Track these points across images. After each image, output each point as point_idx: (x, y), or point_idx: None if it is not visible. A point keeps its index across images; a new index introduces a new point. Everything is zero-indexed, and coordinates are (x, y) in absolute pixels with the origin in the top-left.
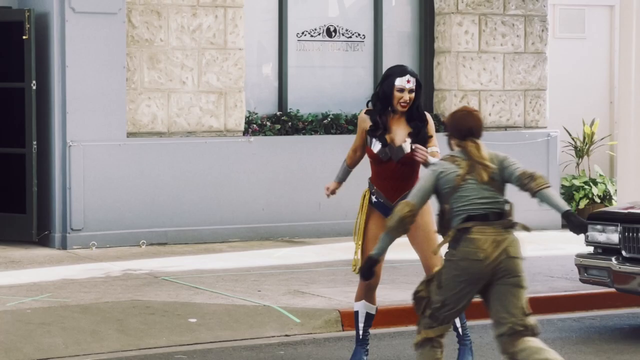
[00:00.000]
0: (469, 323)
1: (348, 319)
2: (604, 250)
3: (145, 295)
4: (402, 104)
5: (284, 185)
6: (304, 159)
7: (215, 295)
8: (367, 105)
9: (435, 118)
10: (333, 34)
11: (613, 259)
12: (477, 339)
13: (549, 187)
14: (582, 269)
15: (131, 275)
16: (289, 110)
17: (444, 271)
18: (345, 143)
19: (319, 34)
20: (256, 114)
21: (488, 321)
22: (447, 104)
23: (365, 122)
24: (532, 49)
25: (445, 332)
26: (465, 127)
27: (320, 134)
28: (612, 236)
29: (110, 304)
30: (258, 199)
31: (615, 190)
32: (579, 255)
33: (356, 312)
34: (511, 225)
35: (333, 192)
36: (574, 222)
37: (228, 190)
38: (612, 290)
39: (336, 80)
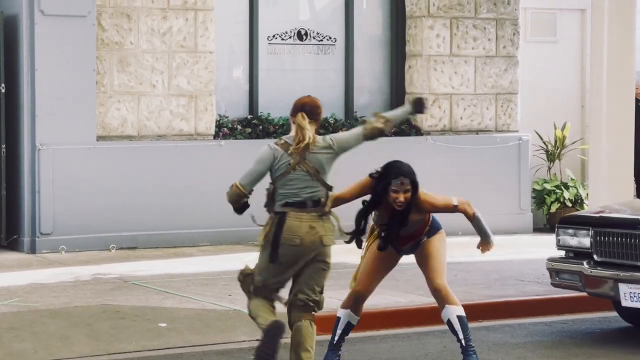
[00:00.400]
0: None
1: (319, 323)
2: (576, 254)
3: (115, 300)
4: (398, 204)
5: (255, 189)
6: None
7: (186, 300)
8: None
9: (407, 122)
10: (304, 37)
11: (584, 263)
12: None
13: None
14: (554, 273)
15: (101, 279)
16: (259, 114)
17: (264, 254)
18: None
19: (290, 37)
20: (227, 117)
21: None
22: None
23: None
24: (503, 52)
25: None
26: (299, 104)
27: None
28: (583, 240)
29: (80, 308)
30: (228, 203)
31: (587, 194)
32: (550, 259)
33: (338, 318)
34: (325, 214)
35: None
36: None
37: (198, 194)
38: (584, 294)
39: (307, 83)
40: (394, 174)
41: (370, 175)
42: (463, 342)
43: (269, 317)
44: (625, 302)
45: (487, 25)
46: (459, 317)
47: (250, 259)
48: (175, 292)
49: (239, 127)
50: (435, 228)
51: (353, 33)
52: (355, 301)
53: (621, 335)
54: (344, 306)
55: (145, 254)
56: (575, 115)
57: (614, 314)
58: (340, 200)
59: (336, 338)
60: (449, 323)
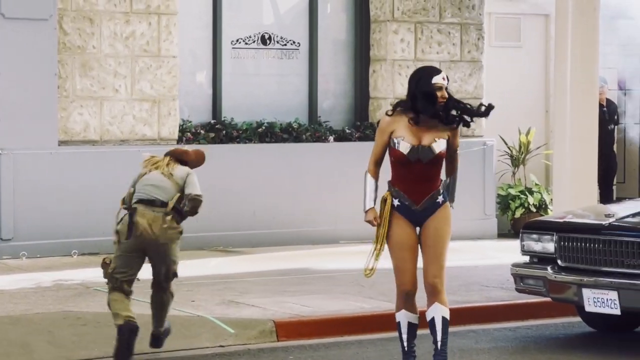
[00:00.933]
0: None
1: (283, 329)
2: (540, 259)
3: (76, 306)
4: (441, 101)
5: (219, 194)
6: (238, 167)
7: (148, 306)
8: (389, 112)
9: (371, 127)
10: (268, 41)
11: (549, 268)
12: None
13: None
14: (518, 278)
15: (62, 285)
16: (223, 119)
17: (116, 245)
18: (280, 151)
19: (254, 42)
20: (190, 122)
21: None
22: (383, 112)
23: (391, 124)
24: (468, 57)
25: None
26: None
27: (254, 142)
28: (547, 245)
29: (41, 315)
30: None
31: (551, 200)
32: (514, 265)
33: (398, 323)
34: (168, 214)
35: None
36: None
37: None
38: (548, 299)
39: (271, 88)
40: (435, 70)
41: (387, 113)
42: (439, 344)
43: (123, 313)
44: (589, 308)
45: (451, 30)
46: (444, 319)
47: (214, 264)
48: (137, 298)
49: (203, 131)
50: (444, 194)
51: (317, 37)
52: (406, 300)
53: (584, 340)
54: (398, 309)
55: None
56: (539, 120)
57: (578, 319)
58: (378, 159)
59: (405, 344)
60: (432, 321)
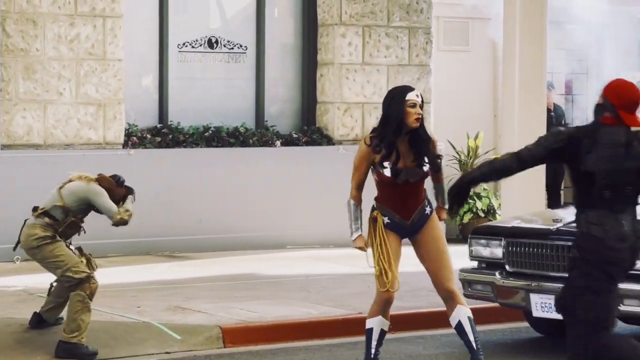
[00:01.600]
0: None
1: (229, 335)
2: (488, 264)
3: (19, 313)
4: (417, 119)
5: (165, 199)
6: (185, 172)
7: (93, 312)
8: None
9: (319, 131)
10: (215, 45)
11: (497, 273)
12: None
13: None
14: (466, 283)
15: (5, 292)
16: (169, 123)
17: None
18: (226, 156)
19: (201, 45)
20: (136, 126)
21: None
22: (330, 116)
23: (370, 154)
24: (416, 61)
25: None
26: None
27: (201, 147)
28: (496, 250)
29: None
30: (138, 212)
31: (500, 205)
32: (462, 270)
33: (369, 330)
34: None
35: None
36: None
37: None
38: (496, 305)
39: (218, 92)
40: (403, 90)
41: (368, 139)
42: (473, 344)
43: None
44: (536, 313)
45: (399, 34)
46: (469, 319)
47: (160, 269)
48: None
49: (149, 136)
50: (430, 204)
51: (264, 41)
52: (385, 306)
53: (532, 345)
54: (373, 314)
55: None
56: (488, 124)
57: (526, 324)
58: (360, 183)
59: (373, 351)
60: (459, 325)
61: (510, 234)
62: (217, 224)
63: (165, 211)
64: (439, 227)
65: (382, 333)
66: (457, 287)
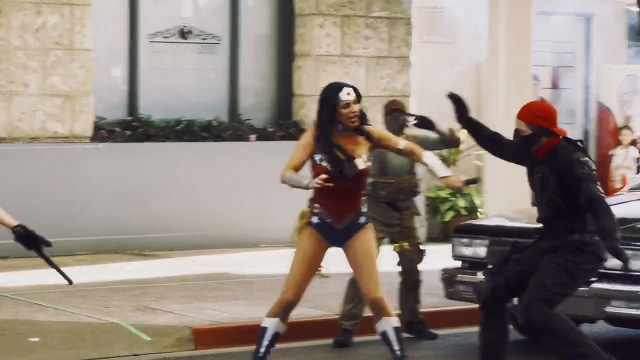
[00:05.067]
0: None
1: (201, 337)
2: (471, 264)
3: None
4: (353, 119)
5: (135, 195)
6: (156, 167)
7: (60, 313)
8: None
9: (295, 125)
10: (187, 35)
11: (480, 273)
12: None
13: None
14: (448, 284)
15: None
16: (140, 116)
17: None
18: (199, 150)
19: (173, 35)
20: (105, 119)
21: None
22: (307, 110)
23: (313, 145)
24: (396, 53)
25: None
26: None
27: (173, 140)
28: (479, 250)
29: None
30: (107, 209)
31: (482, 202)
32: (445, 270)
33: (264, 329)
34: None
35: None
36: None
37: (75, 200)
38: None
39: (190, 84)
40: (336, 87)
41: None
42: (398, 352)
43: None
44: None
45: (379, 25)
46: (395, 329)
47: (130, 268)
48: (48, 305)
49: (118, 129)
50: (366, 215)
51: (239, 31)
52: (285, 309)
53: (515, 347)
54: (271, 315)
55: (16, 264)
56: None
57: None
58: (296, 167)
59: (262, 350)
60: (385, 335)
61: (494, 233)
62: (190, 221)
63: (135, 208)
64: (371, 239)
65: (276, 335)
66: (384, 296)
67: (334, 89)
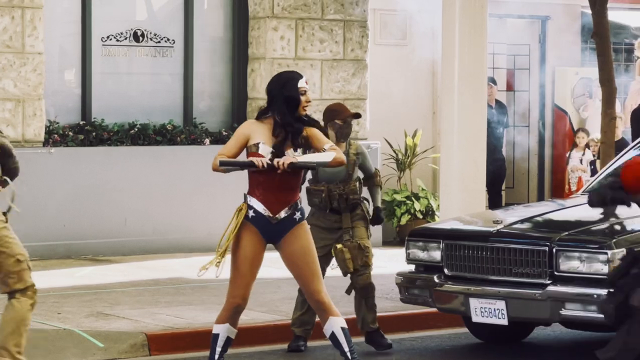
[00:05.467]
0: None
1: (155, 342)
2: (426, 268)
3: None
4: (305, 107)
5: (88, 200)
6: (109, 171)
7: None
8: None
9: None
10: (141, 38)
11: (435, 277)
12: None
13: None
14: (403, 288)
15: None
16: (93, 120)
17: None
18: (153, 154)
19: (126, 39)
20: (57, 123)
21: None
22: None
23: (249, 128)
24: (351, 55)
25: None
26: None
27: (126, 145)
28: (434, 253)
29: None
30: (59, 214)
31: (438, 206)
32: (399, 274)
33: (216, 335)
34: None
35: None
36: None
37: (26, 204)
38: (434, 310)
39: (144, 87)
40: (294, 77)
41: (261, 112)
42: (349, 354)
43: None
44: (476, 318)
45: (334, 27)
46: (343, 329)
47: (83, 274)
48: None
49: (71, 133)
50: (302, 211)
51: (193, 35)
52: (234, 313)
53: (471, 352)
54: (220, 321)
55: None
56: (426, 122)
57: (465, 330)
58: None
59: (216, 356)
60: (333, 336)
61: (449, 236)
62: (143, 226)
63: (88, 212)
64: (308, 236)
65: (228, 340)
66: (328, 296)
67: (292, 76)
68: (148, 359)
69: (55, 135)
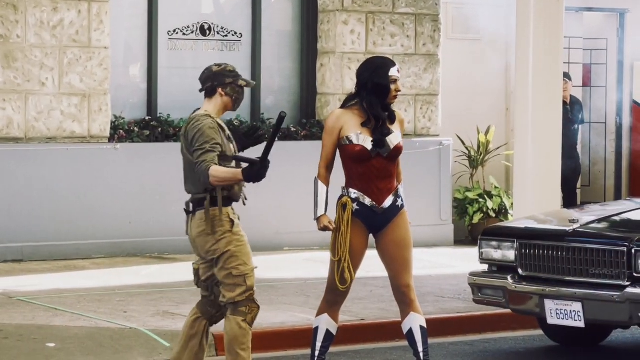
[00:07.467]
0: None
1: (222, 343)
2: (499, 268)
3: None
4: (395, 96)
5: (153, 197)
6: (174, 168)
7: (77, 317)
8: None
9: (318, 125)
10: (208, 32)
11: (509, 277)
12: None
13: None
14: (476, 288)
15: None
16: (158, 115)
17: None
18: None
19: (192, 32)
20: (123, 118)
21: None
22: (331, 109)
23: (339, 122)
24: (423, 50)
25: None
26: None
27: None
28: (507, 253)
29: None
30: (124, 211)
31: (512, 204)
32: (472, 274)
33: (316, 329)
34: None
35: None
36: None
37: (92, 201)
38: (508, 311)
39: None
40: (389, 62)
41: (347, 99)
42: (422, 355)
43: None
44: (551, 320)
45: (405, 21)
46: (422, 328)
47: (149, 272)
48: (65, 309)
49: (137, 129)
50: (402, 197)
51: (260, 28)
52: (334, 305)
53: (546, 355)
54: (319, 313)
55: (32, 268)
56: (499, 118)
57: (540, 332)
58: (330, 165)
59: (317, 352)
60: (410, 332)
61: (524, 236)
62: None
63: (153, 210)
64: (407, 226)
65: (329, 335)
66: (415, 292)
67: (385, 62)
68: (215, 359)
69: (121, 131)
